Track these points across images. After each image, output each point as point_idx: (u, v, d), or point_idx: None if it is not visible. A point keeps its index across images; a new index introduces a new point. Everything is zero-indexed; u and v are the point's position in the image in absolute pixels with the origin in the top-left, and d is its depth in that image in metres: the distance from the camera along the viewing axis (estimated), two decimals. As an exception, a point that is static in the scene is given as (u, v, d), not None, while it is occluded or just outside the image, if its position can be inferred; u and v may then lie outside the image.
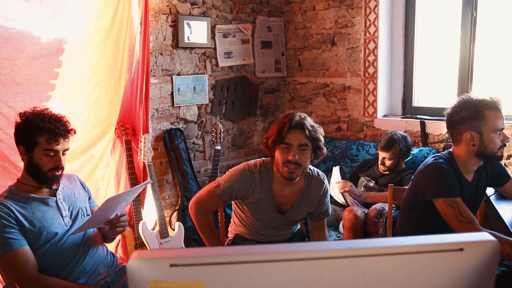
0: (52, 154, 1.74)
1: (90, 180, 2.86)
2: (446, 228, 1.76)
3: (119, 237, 2.95)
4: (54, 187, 1.84)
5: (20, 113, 1.75)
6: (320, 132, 1.95)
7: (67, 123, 1.80)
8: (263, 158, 2.05)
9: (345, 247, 0.70)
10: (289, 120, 1.89)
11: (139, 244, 2.89)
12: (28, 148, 1.73)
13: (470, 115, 1.80)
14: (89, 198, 2.01)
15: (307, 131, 1.88)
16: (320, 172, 2.12)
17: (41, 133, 1.71)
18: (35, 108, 1.80)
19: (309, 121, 1.93)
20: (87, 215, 1.90)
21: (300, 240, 2.22)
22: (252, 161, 2.05)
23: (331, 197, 2.91)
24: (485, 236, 0.69)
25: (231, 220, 2.21)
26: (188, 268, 0.64)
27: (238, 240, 2.11)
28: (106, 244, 2.05)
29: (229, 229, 2.23)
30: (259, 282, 0.64)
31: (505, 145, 1.81)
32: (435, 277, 0.68)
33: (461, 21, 3.24)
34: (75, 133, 1.83)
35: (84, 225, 1.75)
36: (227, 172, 2.06)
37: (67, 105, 2.57)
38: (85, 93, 2.68)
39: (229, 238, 2.19)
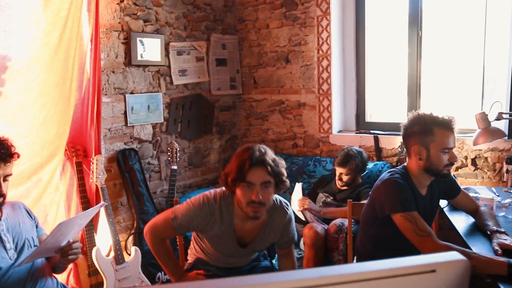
0: None
1: (38, 206, 2.68)
2: (405, 242, 1.79)
3: (70, 265, 2.78)
4: (-4, 216, 1.70)
5: None
6: (282, 165, 1.88)
7: (10, 146, 1.68)
8: (223, 189, 1.94)
9: (312, 276, 0.67)
10: (249, 156, 1.79)
11: (93, 272, 2.74)
12: None
13: (420, 130, 1.86)
14: (37, 227, 1.87)
15: (269, 168, 1.80)
16: (282, 200, 2.04)
17: None
18: None
19: (270, 155, 1.85)
20: (35, 245, 1.76)
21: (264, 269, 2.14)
22: (212, 192, 1.95)
23: (293, 213, 2.91)
24: (455, 255, 0.69)
25: (191, 243, 2.13)
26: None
27: (199, 264, 2.04)
28: (56, 275, 1.91)
29: (189, 252, 2.16)
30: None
31: (452, 164, 1.87)
32: (409, 300, 0.67)
33: (408, 39, 3.38)
34: (18, 157, 1.71)
35: (32, 255, 1.61)
36: (184, 203, 1.95)
37: (12, 126, 2.41)
38: (32, 113, 2.53)
39: (189, 262, 2.11)
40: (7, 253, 1.67)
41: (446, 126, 1.84)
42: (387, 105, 3.75)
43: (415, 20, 3.34)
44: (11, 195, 2.53)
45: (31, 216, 1.88)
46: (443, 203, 2.32)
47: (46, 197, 2.74)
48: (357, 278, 0.66)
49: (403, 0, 3.39)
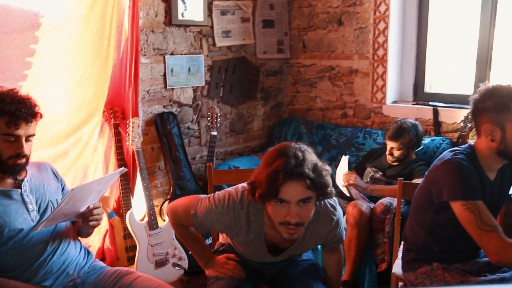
0: (12, 139, 1.54)
1: (76, 166, 2.68)
2: (461, 233, 1.54)
3: (106, 226, 2.78)
4: (20, 177, 1.63)
5: None
6: (326, 171, 1.49)
7: (34, 106, 1.60)
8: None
9: None
10: (283, 167, 1.40)
11: (128, 235, 2.72)
12: None
13: (495, 106, 1.56)
14: (63, 189, 1.81)
15: (308, 182, 1.41)
16: (329, 202, 1.65)
17: (0, 115, 1.50)
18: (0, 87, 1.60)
19: (310, 161, 1.45)
20: (58, 208, 1.70)
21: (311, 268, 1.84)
22: (239, 192, 1.62)
23: (336, 187, 2.71)
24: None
25: None
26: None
27: (231, 250, 1.84)
28: (82, 239, 1.86)
29: (220, 235, 2.00)
30: None
31: None
32: None
33: (481, 3, 2.97)
34: (41, 117, 1.62)
35: (48, 219, 1.54)
36: (207, 201, 1.65)
37: (46, 85, 2.36)
38: (67, 72, 2.48)
39: (221, 243, 1.94)
40: (29, 214, 1.61)
41: None
42: (451, 75, 3.39)
43: (491, -22, 2.91)
44: (48, 155, 2.54)
45: (57, 178, 1.82)
46: None
47: (85, 157, 2.72)
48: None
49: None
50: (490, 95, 1.58)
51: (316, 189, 1.45)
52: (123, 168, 1.77)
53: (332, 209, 1.65)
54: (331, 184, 1.50)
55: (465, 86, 3.17)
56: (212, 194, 1.68)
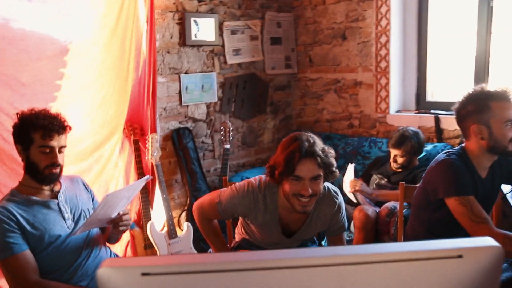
0: (48, 151, 1.73)
1: (98, 181, 2.85)
2: (459, 229, 1.68)
3: (128, 237, 2.95)
4: (56, 189, 1.82)
5: (17, 113, 1.75)
6: (331, 154, 1.77)
7: (64, 120, 1.79)
8: (268, 178, 1.84)
9: (338, 254, 0.65)
10: (298, 148, 1.68)
11: (148, 245, 2.87)
12: (24, 146, 1.73)
13: (476, 108, 1.72)
14: (93, 200, 1.99)
15: (319, 159, 1.68)
16: (332, 188, 1.92)
17: (35, 129, 1.70)
18: (32, 109, 1.80)
19: (319, 145, 1.73)
20: (90, 217, 1.88)
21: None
22: (257, 179, 1.89)
23: (344, 195, 2.85)
24: (487, 241, 0.63)
25: (238, 223, 2.15)
26: (160, 277, 0.59)
27: (245, 244, 2.05)
28: (111, 245, 2.03)
29: (236, 231, 2.17)
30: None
31: None
32: (432, 285, 0.63)
33: (477, 12, 3.12)
34: (70, 129, 1.81)
35: (85, 224, 1.72)
36: (229, 189, 1.91)
37: (74, 105, 2.57)
38: (91, 93, 2.67)
39: (236, 241, 2.14)
40: (65, 222, 1.79)
41: (502, 97, 1.69)
42: (451, 84, 3.52)
43: (485, -10, 3.07)
44: (75, 170, 2.72)
45: (87, 190, 2.00)
46: (506, 188, 2.15)
47: (107, 172, 2.89)
48: (380, 259, 0.63)
49: (472, -32, 3.12)
50: (469, 100, 1.74)
51: (325, 167, 1.72)
52: (149, 176, 1.95)
53: (335, 194, 1.91)
54: (335, 165, 1.77)
55: (466, 91, 3.29)
56: (233, 184, 1.94)
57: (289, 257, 0.60)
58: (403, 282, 0.64)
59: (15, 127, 1.75)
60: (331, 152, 1.78)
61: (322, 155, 1.70)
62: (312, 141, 1.71)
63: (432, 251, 0.63)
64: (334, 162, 1.77)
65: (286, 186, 1.74)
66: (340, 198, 1.94)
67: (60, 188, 1.85)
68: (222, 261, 0.60)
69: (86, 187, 2.01)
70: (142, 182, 1.89)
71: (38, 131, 1.71)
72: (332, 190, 1.91)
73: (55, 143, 1.74)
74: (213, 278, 0.59)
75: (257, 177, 1.91)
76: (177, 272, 0.59)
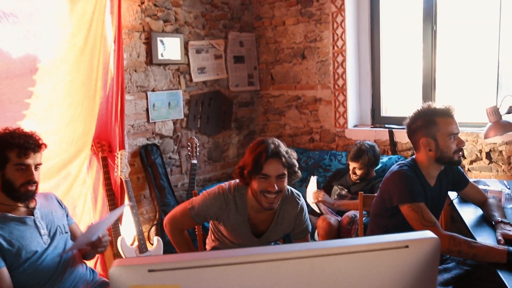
0: (23, 168, 1.78)
1: (67, 198, 2.85)
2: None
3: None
4: (31, 205, 1.86)
5: None
6: (294, 156, 1.96)
7: (38, 138, 1.84)
8: (236, 181, 2.03)
9: (302, 249, 0.78)
10: (265, 149, 1.87)
11: (118, 260, 2.90)
12: (0, 165, 1.76)
13: (424, 123, 1.94)
14: (67, 216, 2.04)
15: (283, 159, 1.88)
16: (294, 190, 2.11)
17: (11, 148, 1.75)
18: (6, 128, 1.84)
19: (283, 147, 1.93)
20: (65, 232, 1.94)
21: None
22: (226, 184, 2.05)
23: (308, 205, 3.01)
24: (428, 234, 0.79)
25: (209, 233, 2.26)
26: (165, 273, 0.70)
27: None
28: (86, 261, 2.08)
29: (207, 241, 2.28)
30: (228, 283, 0.71)
31: (461, 150, 1.94)
32: (383, 272, 0.77)
33: (422, 34, 3.41)
34: (46, 147, 1.87)
35: (71, 248, 1.81)
36: (201, 195, 2.06)
37: (42, 124, 2.58)
38: (60, 112, 2.70)
39: (207, 250, 2.24)
40: (41, 238, 1.83)
41: (446, 113, 1.91)
42: (402, 100, 3.79)
43: (429, 15, 3.36)
44: (43, 188, 2.72)
45: (62, 206, 2.05)
46: (453, 195, 2.38)
47: (75, 190, 2.91)
48: (337, 252, 0.77)
49: (417, -5, 3.42)
50: (417, 116, 1.96)
51: (289, 167, 1.92)
52: (126, 203, 2.03)
53: (297, 196, 2.10)
54: (297, 166, 1.97)
55: (415, 108, 3.55)
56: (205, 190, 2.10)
57: (273, 251, 0.73)
58: (363, 269, 0.78)
59: None
60: (294, 154, 1.97)
61: (286, 156, 1.90)
62: (277, 144, 1.92)
63: (385, 243, 0.78)
64: (296, 163, 1.97)
65: (254, 184, 1.90)
66: (302, 200, 2.12)
67: (36, 205, 1.89)
68: (216, 257, 0.72)
69: (60, 203, 2.05)
70: (121, 209, 1.97)
71: (13, 150, 1.76)
72: (295, 192, 2.11)
73: (31, 161, 1.79)
74: (209, 271, 0.71)
75: (226, 182, 2.07)
76: (178, 267, 0.70)
